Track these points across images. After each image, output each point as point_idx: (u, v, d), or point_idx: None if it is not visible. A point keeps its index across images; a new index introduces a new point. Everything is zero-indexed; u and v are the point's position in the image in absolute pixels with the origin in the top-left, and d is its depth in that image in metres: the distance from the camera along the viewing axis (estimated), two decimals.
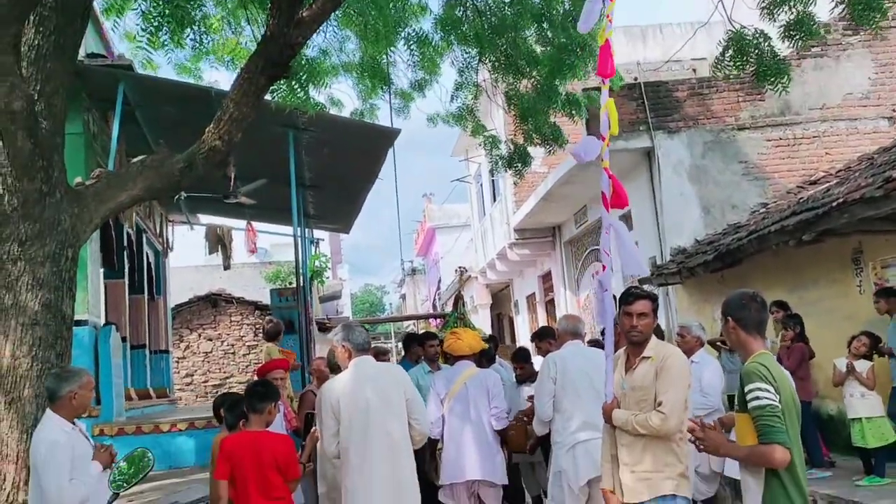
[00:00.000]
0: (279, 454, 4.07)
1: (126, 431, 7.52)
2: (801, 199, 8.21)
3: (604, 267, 4.39)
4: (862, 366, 5.92)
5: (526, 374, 6.75)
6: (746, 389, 3.04)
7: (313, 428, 4.43)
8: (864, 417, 5.85)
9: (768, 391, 2.99)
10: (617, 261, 4.42)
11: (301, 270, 10.29)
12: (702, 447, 3.32)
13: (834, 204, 6.02)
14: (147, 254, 12.04)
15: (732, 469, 5.41)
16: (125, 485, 2.92)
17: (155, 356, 12.37)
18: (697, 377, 5.44)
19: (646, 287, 7.81)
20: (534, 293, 18.99)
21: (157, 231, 13.05)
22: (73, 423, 3.83)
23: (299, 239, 10.15)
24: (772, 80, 6.51)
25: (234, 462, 4.03)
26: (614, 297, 4.12)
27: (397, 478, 4.07)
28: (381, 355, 7.40)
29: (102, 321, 8.65)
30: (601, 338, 7.58)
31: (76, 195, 5.86)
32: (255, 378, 5.97)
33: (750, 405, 3.02)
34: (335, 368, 5.12)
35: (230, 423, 4.32)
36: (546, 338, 6.05)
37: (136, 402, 9.96)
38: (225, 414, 4.57)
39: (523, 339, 19.20)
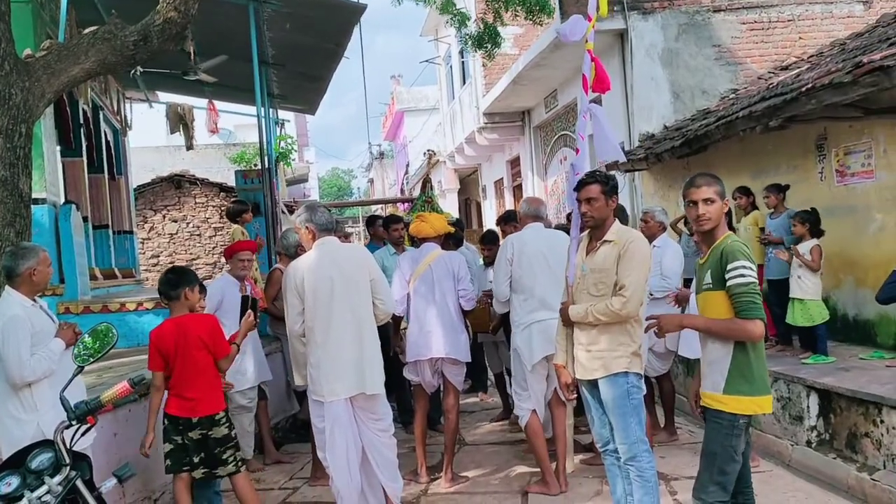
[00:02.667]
0: (204, 332, 4.15)
1: (92, 310, 7.50)
2: (770, 84, 8.16)
3: (577, 150, 4.35)
4: (804, 247, 6.05)
5: (493, 257, 6.84)
6: (730, 267, 3.10)
7: (248, 312, 4.47)
8: (797, 298, 6.06)
9: (751, 269, 3.10)
10: (586, 145, 4.39)
11: (266, 151, 10.08)
12: (660, 334, 3.41)
13: (803, 89, 5.98)
14: (105, 132, 11.65)
15: (685, 348, 5.64)
16: (90, 359, 2.94)
17: (119, 237, 12.22)
18: (658, 261, 5.56)
19: (612, 172, 7.83)
20: (502, 178, 18.98)
21: (115, 108, 12.60)
22: (34, 301, 3.82)
23: (263, 119, 9.88)
24: None
25: (164, 350, 4.12)
26: None
27: (361, 354, 4.18)
28: (344, 238, 7.43)
29: (62, 200, 8.47)
30: (567, 222, 7.67)
31: (26, 68, 5.59)
32: (225, 259, 5.99)
33: (732, 282, 3.09)
34: (291, 255, 5.10)
35: None
36: (511, 221, 6.11)
37: (102, 282, 9.91)
38: None
39: (490, 223, 19.35)
